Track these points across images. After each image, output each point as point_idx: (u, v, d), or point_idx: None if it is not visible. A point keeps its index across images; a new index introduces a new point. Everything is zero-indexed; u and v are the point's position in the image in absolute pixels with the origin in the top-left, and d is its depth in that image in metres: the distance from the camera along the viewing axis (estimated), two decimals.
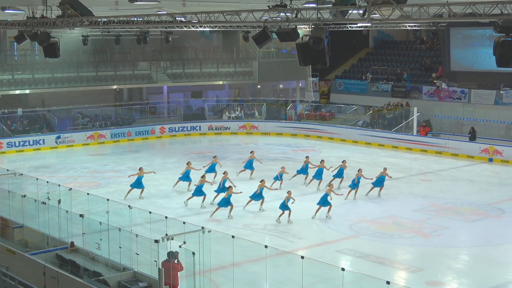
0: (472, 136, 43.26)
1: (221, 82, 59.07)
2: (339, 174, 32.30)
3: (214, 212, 27.47)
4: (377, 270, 21.27)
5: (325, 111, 53.87)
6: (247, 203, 28.54)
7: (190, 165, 32.20)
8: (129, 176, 32.14)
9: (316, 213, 27.22)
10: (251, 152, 35.71)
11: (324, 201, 27.32)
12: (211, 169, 33.69)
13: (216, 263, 20.32)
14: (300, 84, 62.88)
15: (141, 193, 30.63)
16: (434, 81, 49.59)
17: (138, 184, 30.61)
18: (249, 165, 34.68)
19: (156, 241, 16.77)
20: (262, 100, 56.37)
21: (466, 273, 21.72)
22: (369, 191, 30.63)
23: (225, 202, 27.47)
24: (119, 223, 21.94)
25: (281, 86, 67.91)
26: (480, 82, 46.97)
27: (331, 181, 31.44)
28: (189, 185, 31.92)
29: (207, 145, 48.23)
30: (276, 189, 30.90)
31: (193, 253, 16.61)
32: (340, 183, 32.18)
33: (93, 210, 25.69)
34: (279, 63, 59.14)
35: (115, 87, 54.60)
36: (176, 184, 32.33)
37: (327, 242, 24.55)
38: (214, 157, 34.67)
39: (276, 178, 31.89)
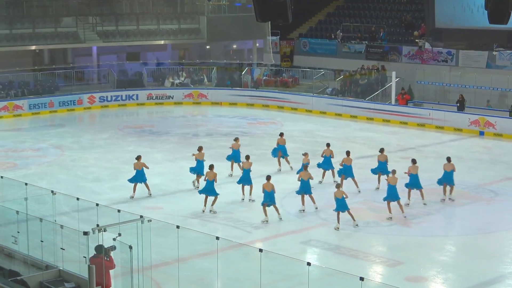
0: (461, 106, 43.83)
1: (162, 42, 58.65)
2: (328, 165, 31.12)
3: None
4: (349, 264, 21.51)
5: (287, 77, 53.98)
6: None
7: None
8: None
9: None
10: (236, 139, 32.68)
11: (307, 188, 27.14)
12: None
13: (158, 259, 20.32)
14: (257, 45, 62.77)
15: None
16: (416, 40, 49.97)
17: (141, 176, 28.57)
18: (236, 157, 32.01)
19: (85, 233, 16.68)
20: (212, 64, 56.20)
21: (452, 266, 22.09)
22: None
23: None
24: (41, 212, 21.76)
25: (234, 46, 67.71)
26: (469, 41, 47.45)
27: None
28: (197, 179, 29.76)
29: (146, 117, 48.05)
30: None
31: (130, 247, 16.57)
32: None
33: (8, 196, 25.41)
34: (232, 19, 58.93)
35: (33, 47, 53.78)
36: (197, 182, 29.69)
37: (291, 232, 24.70)
38: (236, 139, 32.41)
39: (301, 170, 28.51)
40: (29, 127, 43.61)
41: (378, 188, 29.17)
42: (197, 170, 29.43)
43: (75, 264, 17.79)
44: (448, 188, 27.74)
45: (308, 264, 16.58)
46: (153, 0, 60.01)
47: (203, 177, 27.92)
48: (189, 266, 20.62)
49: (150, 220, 18.43)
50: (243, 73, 54.02)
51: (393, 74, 45.95)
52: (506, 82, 44.50)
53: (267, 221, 25.28)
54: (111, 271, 17.03)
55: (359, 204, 27.42)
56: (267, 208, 25.45)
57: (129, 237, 17.03)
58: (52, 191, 23.13)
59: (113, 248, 16.90)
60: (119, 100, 50.77)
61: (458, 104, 43.98)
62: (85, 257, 16.96)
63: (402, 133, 41.13)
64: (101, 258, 16.69)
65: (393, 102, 45.68)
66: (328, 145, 30.79)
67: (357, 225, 24.73)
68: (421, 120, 43.29)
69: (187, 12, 59.48)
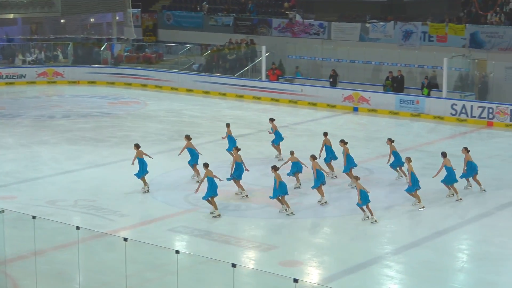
0: (334, 81, 44.74)
1: (11, 16, 57.11)
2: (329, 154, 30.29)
3: None
4: (221, 250, 21.68)
5: (150, 52, 53.67)
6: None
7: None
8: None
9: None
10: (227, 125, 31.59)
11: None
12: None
13: (13, 252, 19.96)
14: (117, 18, 62.00)
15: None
16: (286, 12, 50.61)
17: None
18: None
19: None
20: (67, 39, 55.27)
21: (328, 249, 22.60)
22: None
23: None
24: None
25: (92, 20, 66.73)
26: (342, 13, 48.26)
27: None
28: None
29: None
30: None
31: None
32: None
33: None
34: None
35: None
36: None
37: (157, 218, 24.69)
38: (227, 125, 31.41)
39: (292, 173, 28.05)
40: None
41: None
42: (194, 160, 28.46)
43: None
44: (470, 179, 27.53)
45: (177, 252, 16.65)
46: None
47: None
48: (47, 260, 20.32)
49: (3, 211, 18.10)
50: (102, 49, 53.35)
51: (263, 48, 46.26)
52: (379, 55, 45.65)
53: (219, 215, 24.80)
54: None
55: (227, 186, 27.61)
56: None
57: None
58: None
59: None
60: None
61: (331, 80, 44.87)
62: None
63: (274, 110, 41.61)
64: None
65: (263, 78, 46.12)
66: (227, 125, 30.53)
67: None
68: (293, 97, 43.96)
69: None
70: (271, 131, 31.68)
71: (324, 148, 29.25)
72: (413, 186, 25.54)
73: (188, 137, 28.50)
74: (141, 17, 56.42)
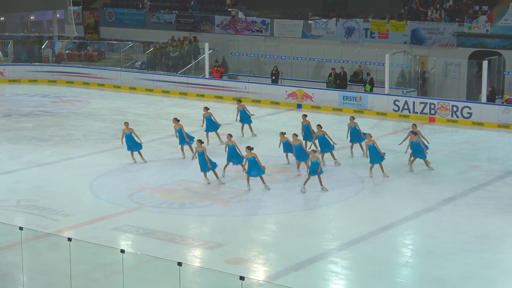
0: (276, 78, 44.85)
1: None
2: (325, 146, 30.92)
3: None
4: (166, 249, 21.61)
5: (92, 50, 53.25)
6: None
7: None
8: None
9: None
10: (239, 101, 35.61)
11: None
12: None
13: None
14: (58, 15, 61.37)
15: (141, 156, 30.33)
16: (229, 9, 50.63)
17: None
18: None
19: None
20: (7, 37, 54.54)
21: (274, 246, 22.63)
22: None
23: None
24: None
25: (32, 17, 65.96)
26: (284, 10, 48.53)
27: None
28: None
29: None
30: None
31: None
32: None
33: None
34: None
35: None
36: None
37: (102, 218, 24.51)
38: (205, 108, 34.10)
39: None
40: None
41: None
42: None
43: None
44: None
45: (122, 251, 16.56)
46: None
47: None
48: None
49: None
50: (43, 46, 52.76)
51: (206, 45, 46.16)
52: (322, 52, 45.90)
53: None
54: None
55: (174, 184, 27.54)
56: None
57: None
58: None
59: None
60: None
61: (273, 77, 44.99)
62: None
63: (218, 107, 41.48)
64: None
65: (207, 75, 46.04)
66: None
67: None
68: (237, 94, 43.93)
69: None
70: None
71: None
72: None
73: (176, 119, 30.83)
74: (82, 15, 55.92)
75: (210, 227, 24.13)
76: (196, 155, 27.46)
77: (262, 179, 26.81)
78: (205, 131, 33.17)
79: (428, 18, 45.24)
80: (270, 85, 44.25)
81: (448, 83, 42.75)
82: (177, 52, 49.98)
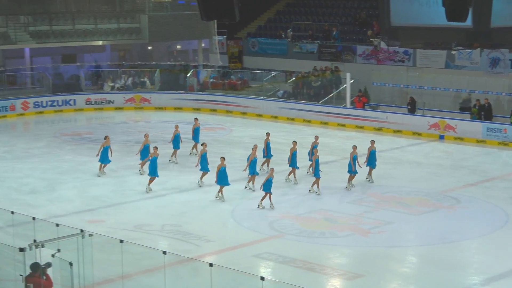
0: (412, 108, 44.26)
1: (100, 43, 58.29)
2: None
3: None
4: (305, 278, 21.58)
5: (235, 79, 54.01)
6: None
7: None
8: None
9: (262, 201, 27.95)
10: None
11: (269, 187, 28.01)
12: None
13: (101, 276, 20.15)
14: (203, 45, 62.76)
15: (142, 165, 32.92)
16: (371, 39, 50.43)
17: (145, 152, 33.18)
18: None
19: (22, 250, 16.48)
20: (154, 66, 56.00)
21: (414, 278, 22.29)
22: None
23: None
24: None
25: (178, 47, 67.60)
26: (427, 40, 47.85)
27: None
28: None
29: (85, 124, 47.65)
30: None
31: (71, 264, 16.43)
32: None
33: None
34: (175, 18, 58.80)
35: None
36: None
37: (242, 244, 24.70)
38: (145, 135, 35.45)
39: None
40: None
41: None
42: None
43: (10, 283, 17.55)
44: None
45: (262, 278, 16.60)
46: None
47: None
48: (134, 283, 20.50)
49: (92, 235, 18.29)
50: (188, 75, 53.92)
51: (348, 75, 46.17)
52: (466, 83, 45.06)
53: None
54: None
55: (314, 214, 27.52)
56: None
57: (69, 253, 16.88)
58: None
59: (48, 265, 16.71)
60: (55, 106, 50.24)
61: (409, 107, 44.44)
62: (21, 275, 16.73)
63: (359, 137, 41.33)
64: (38, 277, 16.50)
65: (348, 105, 45.95)
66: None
67: None
68: (378, 124, 43.65)
69: (126, 11, 59.19)
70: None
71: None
72: None
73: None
74: (226, 44, 56.87)
75: (349, 257, 23.95)
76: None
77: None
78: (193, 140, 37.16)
79: None
80: (411, 115, 43.72)
81: None
82: (319, 82, 50.10)
